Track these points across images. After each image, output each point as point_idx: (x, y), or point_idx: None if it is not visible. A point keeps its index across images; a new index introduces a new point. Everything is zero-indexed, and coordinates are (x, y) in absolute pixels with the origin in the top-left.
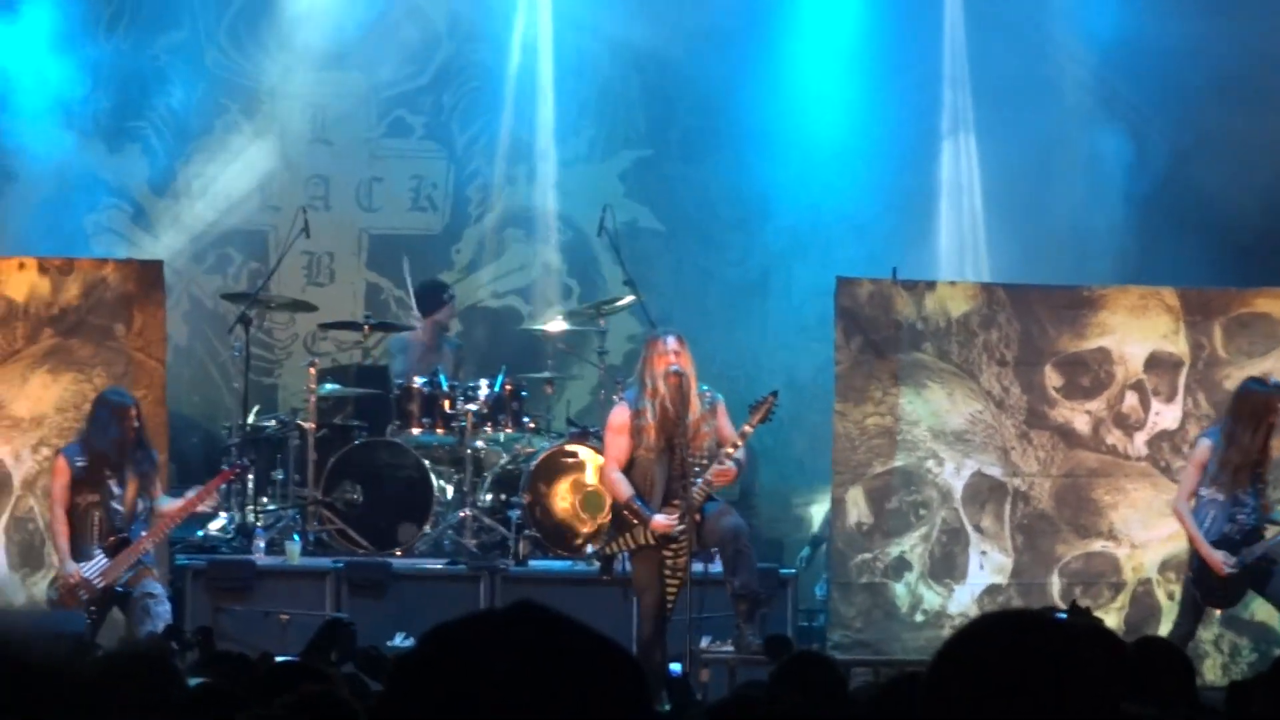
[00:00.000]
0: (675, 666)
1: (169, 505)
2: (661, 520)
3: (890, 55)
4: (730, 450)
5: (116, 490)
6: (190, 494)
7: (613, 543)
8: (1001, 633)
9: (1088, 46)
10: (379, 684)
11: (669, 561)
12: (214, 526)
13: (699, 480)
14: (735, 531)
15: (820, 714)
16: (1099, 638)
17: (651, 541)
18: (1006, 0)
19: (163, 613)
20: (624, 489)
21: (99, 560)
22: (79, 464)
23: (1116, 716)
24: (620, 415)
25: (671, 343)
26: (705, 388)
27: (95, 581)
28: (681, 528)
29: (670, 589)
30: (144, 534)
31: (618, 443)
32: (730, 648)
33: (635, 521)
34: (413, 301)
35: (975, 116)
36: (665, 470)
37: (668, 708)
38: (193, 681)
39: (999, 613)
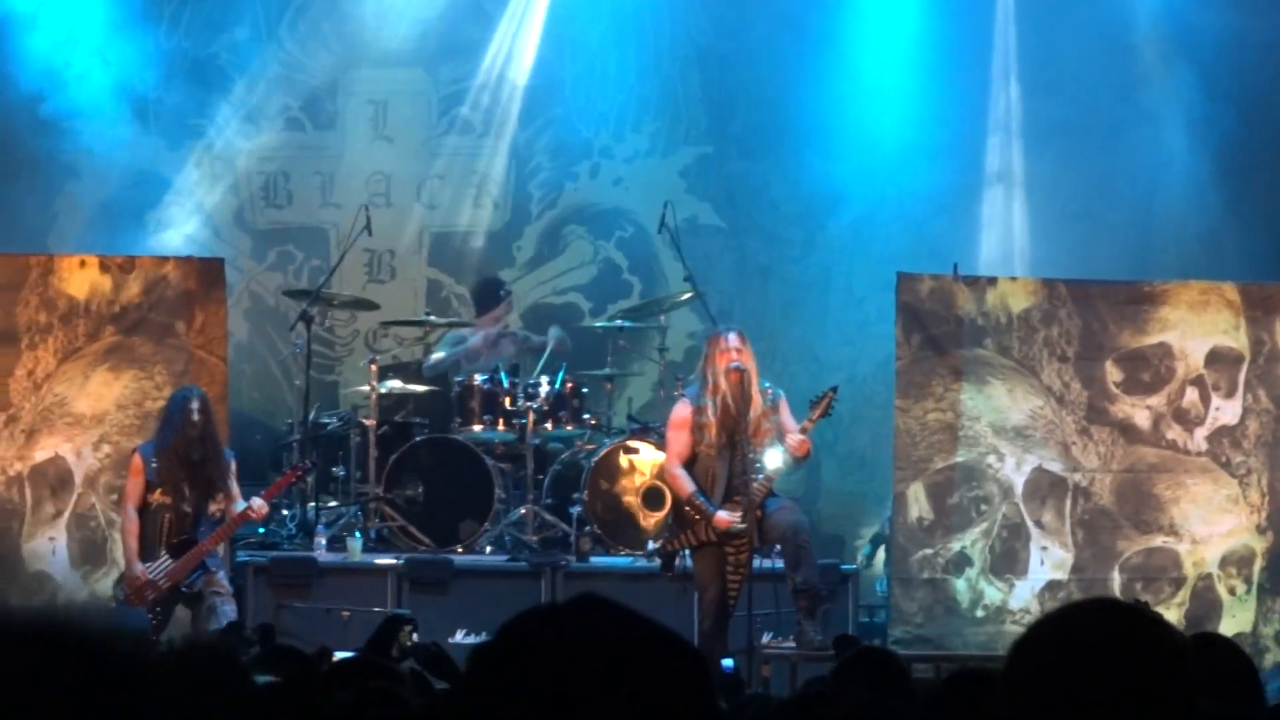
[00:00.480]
0: (728, 662)
1: (238, 510)
2: (724, 516)
3: (951, 49)
4: (805, 425)
5: (188, 491)
6: (255, 500)
7: (674, 539)
8: (1092, 620)
9: (1147, 36)
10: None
11: (731, 558)
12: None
13: (760, 476)
14: (796, 528)
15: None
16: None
17: (713, 538)
18: None
19: (228, 611)
20: (686, 485)
21: (164, 561)
22: (153, 464)
23: (1194, 711)
24: (682, 411)
25: (733, 339)
26: (767, 384)
27: (161, 582)
28: (743, 524)
29: (732, 585)
30: (209, 535)
31: (679, 439)
32: (792, 643)
33: (697, 517)
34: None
35: (1034, 111)
36: (727, 466)
37: (722, 704)
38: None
39: (1087, 600)
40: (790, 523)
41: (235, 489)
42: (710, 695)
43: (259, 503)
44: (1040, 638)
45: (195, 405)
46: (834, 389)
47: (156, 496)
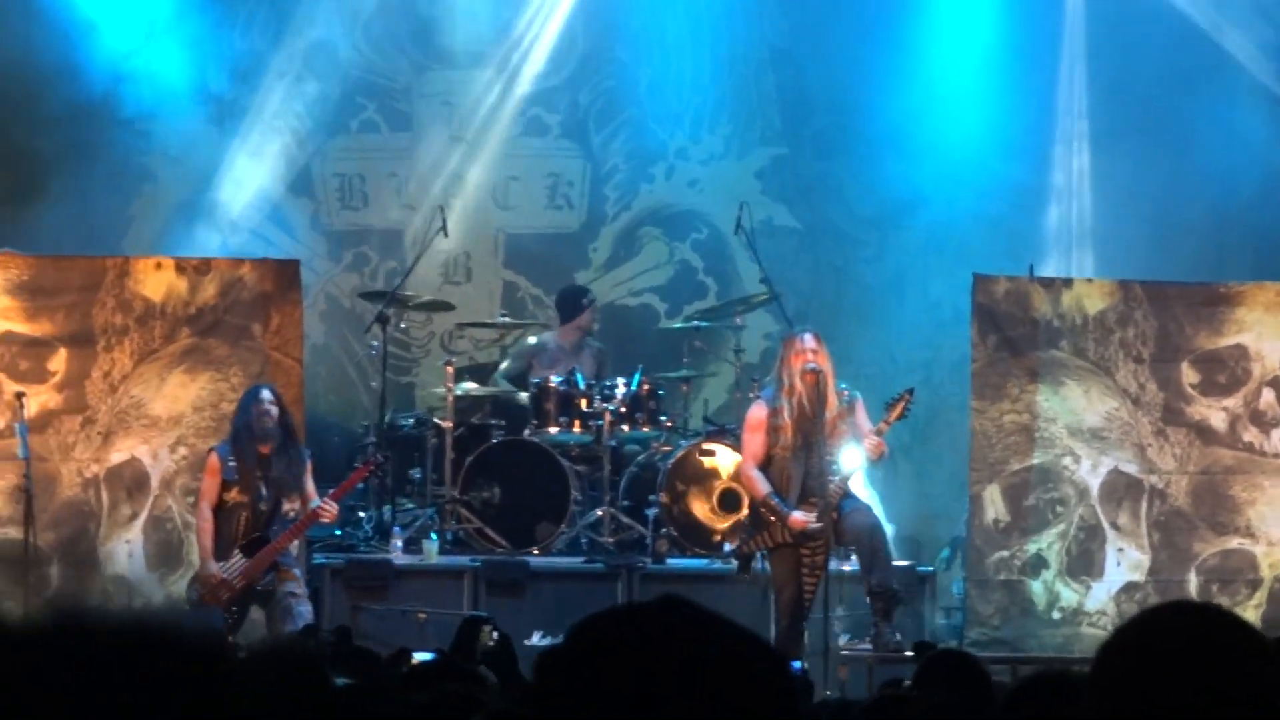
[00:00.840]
0: (795, 664)
1: (311, 508)
2: (799, 517)
3: (1025, 50)
4: (881, 427)
5: (264, 491)
6: (326, 501)
7: (750, 541)
8: (1178, 624)
9: (1220, 29)
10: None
11: (806, 559)
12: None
13: (835, 477)
14: (872, 529)
15: (964, 711)
16: None
17: (789, 539)
18: None
19: (305, 612)
20: (761, 486)
21: (238, 560)
22: (230, 463)
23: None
24: (758, 413)
25: (809, 340)
26: (843, 386)
27: (235, 581)
28: (819, 525)
29: (808, 586)
30: (283, 533)
31: (755, 440)
32: (868, 645)
33: (773, 519)
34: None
35: (1107, 111)
36: (802, 468)
37: None
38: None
39: (1168, 604)
40: (866, 524)
41: (311, 488)
42: (792, 698)
43: (330, 504)
44: (1123, 643)
45: (267, 396)
46: (910, 391)
47: (233, 495)
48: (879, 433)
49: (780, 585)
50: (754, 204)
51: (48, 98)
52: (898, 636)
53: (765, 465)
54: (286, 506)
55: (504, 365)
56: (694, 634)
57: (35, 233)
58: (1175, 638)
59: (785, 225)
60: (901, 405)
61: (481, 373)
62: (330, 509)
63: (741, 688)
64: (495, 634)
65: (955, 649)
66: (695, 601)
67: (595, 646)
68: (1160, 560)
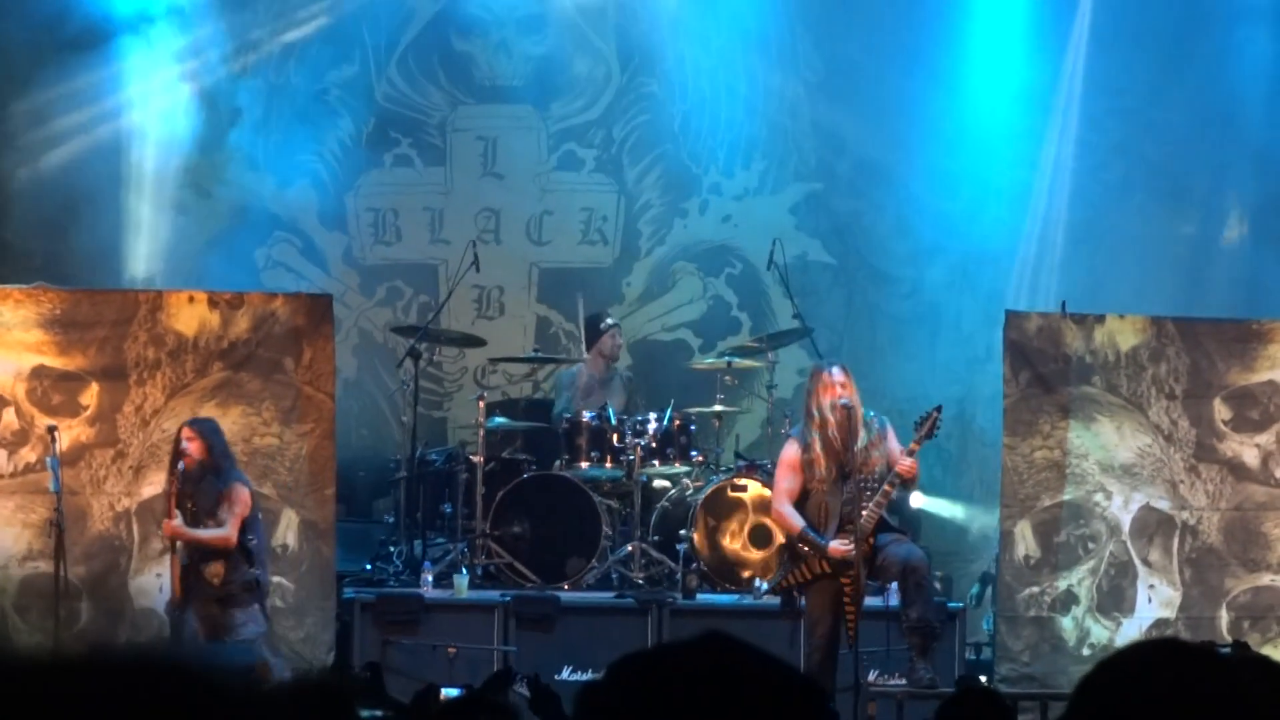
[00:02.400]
0: None
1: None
2: (838, 546)
3: (1059, 90)
4: (912, 447)
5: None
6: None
7: (788, 576)
8: (1149, 662)
9: (1254, 68)
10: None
11: (848, 589)
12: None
13: (869, 505)
14: (913, 563)
15: None
16: (1265, 671)
17: (828, 570)
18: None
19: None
20: (795, 521)
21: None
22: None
23: None
24: (791, 451)
25: (838, 374)
26: (872, 414)
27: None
28: (855, 553)
29: (849, 618)
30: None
31: (787, 478)
32: (900, 681)
33: (810, 551)
34: (582, 337)
35: (1141, 149)
36: (839, 499)
37: None
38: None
39: (1146, 642)
40: (905, 557)
41: (223, 516)
42: None
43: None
44: (1101, 679)
45: (185, 433)
46: (938, 409)
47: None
48: (910, 453)
49: (815, 620)
50: (788, 240)
51: (80, 131)
52: (931, 674)
53: (801, 500)
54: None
55: (559, 404)
56: (738, 669)
57: (68, 267)
58: (1149, 676)
59: (819, 261)
60: (930, 424)
61: (513, 408)
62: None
63: None
64: (525, 686)
65: (978, 685)
66: (738, 636)
67: (640, 681)
68: (1191, 597)
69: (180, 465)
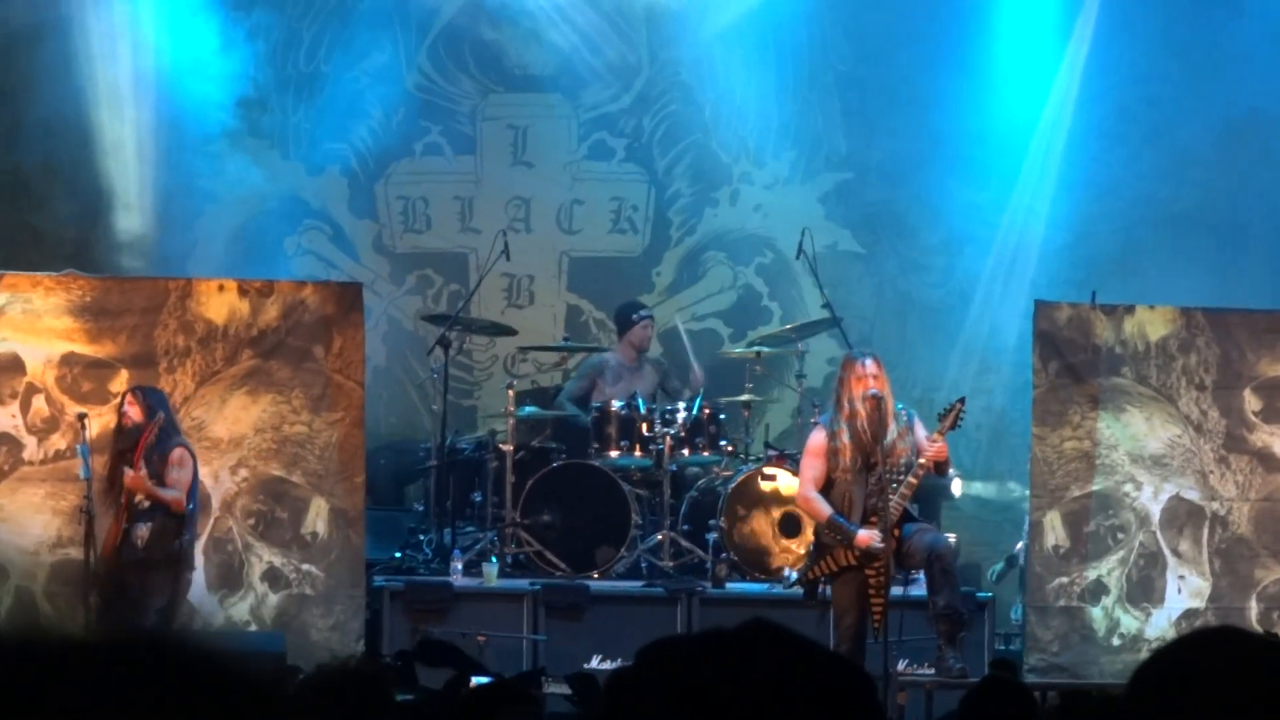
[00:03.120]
0: None
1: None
2: (865, 535)
3: (1092, 80)
4: (935, 436)
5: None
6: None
7: (815, 567)
8: (1211, 648)
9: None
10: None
11: (872, 580)
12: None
13: (894, 496)
14: (938, 550)
15: None
16: None
17: (854, 561)
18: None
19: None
20: (823, 508)
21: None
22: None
23: None
24: (818, 438)
25: (870, 365)
26: (900, 406)
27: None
28: (883, 544)
29: (876, 608)
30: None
31: (814, 466)
32: (929, 670)
33: (838, 539)
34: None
35: (1173, 140)
36: (863, 489)
37: None
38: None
39: (1209, 628)
40: (931, 544)
41: (173, 476)
42: None
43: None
44: (1160, 667)
45: (127, 398)
46: (962, 400)
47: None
48: (934, 442)
49: (842, 611)
50: (818, 229)
51: (112, 120)
52: (961, 663)
53: (826, 489)
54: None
55: (568, 385)
56: (785, 657)
57: (99, 254)
58: (1210, 663)
59: (849, 250)
60: (954, 414)
61: (543, 396)
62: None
63: (832, 712)
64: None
65: (1005, 676)
66: (784, 625)
67: (678, 670)
68: (1221, 587)
69: (120, 424)
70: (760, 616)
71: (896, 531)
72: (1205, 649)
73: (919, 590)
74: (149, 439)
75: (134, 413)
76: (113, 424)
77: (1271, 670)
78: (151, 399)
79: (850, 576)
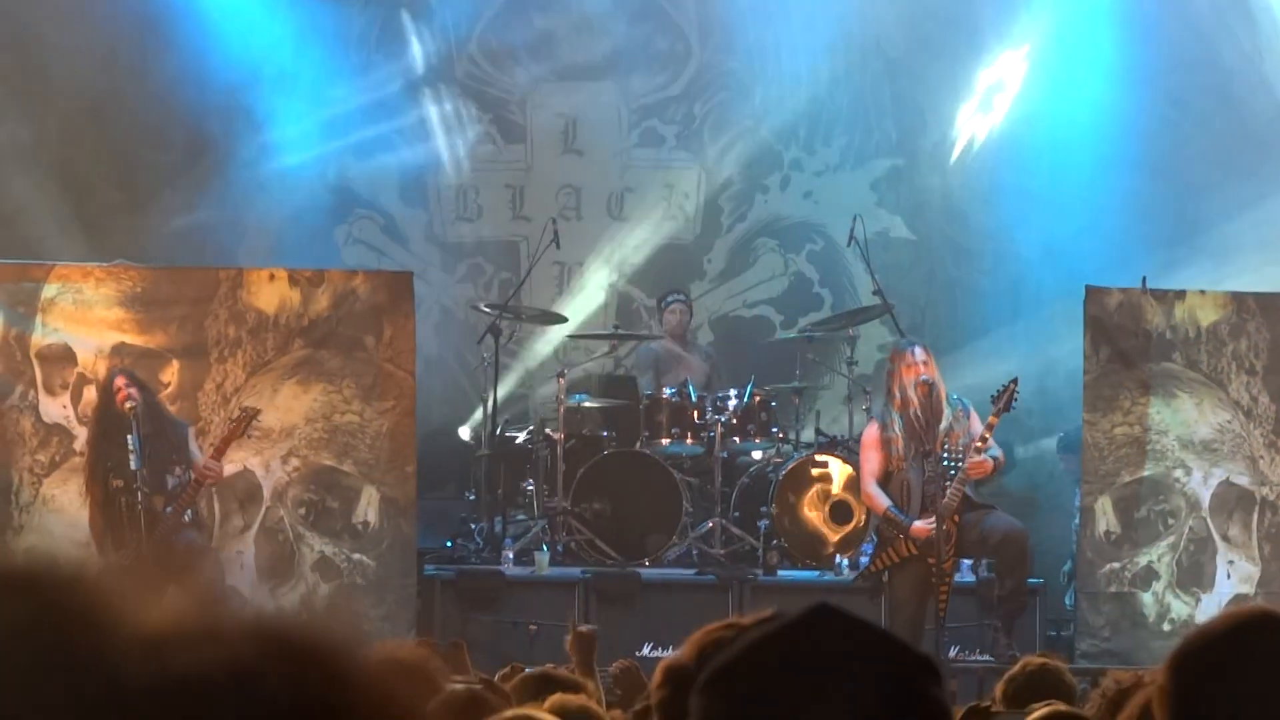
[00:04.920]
0: None
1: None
2: (920, 525)
3: (1141, 64)
4: (979, 444)
5: (134, 469)
6: (206, 459)
7: (878, 559)
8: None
9: None
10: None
11: (935, 568)
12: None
13: (953, 483)
14: (1015, 534)
15: None
16: None
17: (914, 551)
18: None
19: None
20: (881, 501)
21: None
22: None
23: None
24: (872, 431)
25: (919, 354)
26: (955, 396)
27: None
28: (935, 530)
29: (941, 596)
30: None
31: (872, 458)
32: (983, 657)
33: (896, 532)
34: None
35: (1223, 124)
36: (920, 478)
37: None
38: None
39: (1245, 609)
40: (1008, 528)
41: (197, 454)
42: (947, 709)
43: (211, 464)
44: (1198, 649)
45: (121, 381)
46: (1014, 381)
47: (116, 484)
48: (990, 428)
49: (900, 603)
50: (869, 216)
51: (162, 109)
52: (1014, 651)
53: (884, 481)
54: (171, 481)
55: (641, 380)
56: (852, 641)
57: (150, 244)
58: (1250, 644)
59: (900, 237)
60: (1007, 396)
61: (593, 384)
62: (212, 468)
63: (902, 699)
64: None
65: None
66: (850, 611)
67: (752, 659)
68: (1271, 572)
69: (129, 405)
70: (825, 601)
71: (956, 518)
72: (1243, 631)
73: (967, 577)
74: (236, 431)
75: (135, 393)
76: (97, 403)
77: None
78: (138, 380)
79: (912, 567)
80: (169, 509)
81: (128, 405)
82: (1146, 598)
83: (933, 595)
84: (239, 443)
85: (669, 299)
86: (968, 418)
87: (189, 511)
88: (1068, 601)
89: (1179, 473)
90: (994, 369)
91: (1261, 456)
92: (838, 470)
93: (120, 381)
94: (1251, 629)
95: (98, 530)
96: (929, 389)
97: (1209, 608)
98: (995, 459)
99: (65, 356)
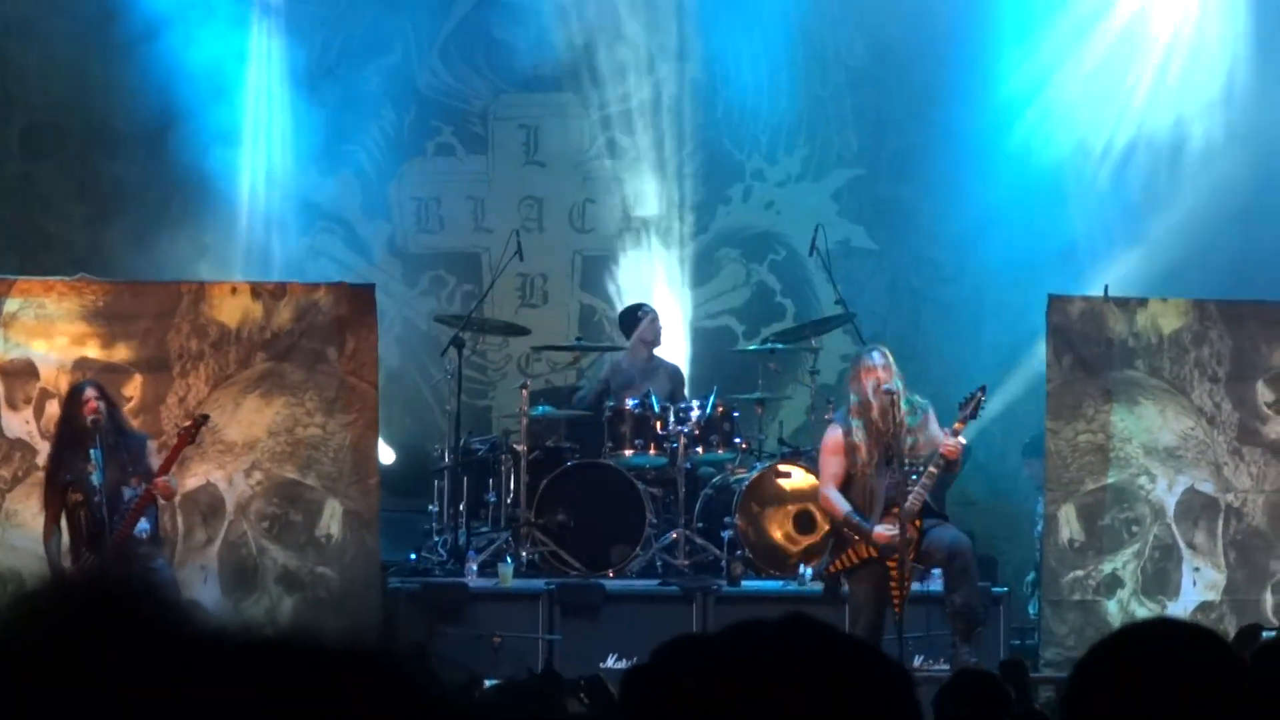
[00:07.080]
0: None
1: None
2: (883, 530)
3: (1107, 72)
4: (951, 432)
5: (98, 485)
6: (158, 480)
7: (834, 562)
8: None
9: None
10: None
11: (894, 571)
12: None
13: (915, 489)
14: (958, 548)
15: None
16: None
17: (874, 555)
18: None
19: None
20: (840, 506)
21: (89, 561)
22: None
23: None
24: (833, 435)
25: (878, 358)
26: (916, 396)
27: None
28: (900, 535)
29: (895, 596)
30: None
31: (831, 463)
32: (944, 666)
33: (855, 537)
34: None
35: (1185, 131)
36: (883, 483)
37: None
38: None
39: (1145, 620)
40: (951, 542)
41: (154, 469)
42: (919, 716)
43: (161, 481)
44: (1097, 660)
45: (91, 393)
46: (982, 389)
47: (73, 497)
48: (955, 433)
49: (858, 608)
50: (831, 225)
51: (124, 123)
52: (975, 659)
53: (845, 485)
54: (128, 493)
55: (580, 391)
56: (824, 652)
57: (112, 258)
58: (1145, 657)
59: (862, 246)
60: (974, 404)
61: (557, 396)
62: (163, 485)
63: (874, 707)
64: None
65: (978, 669)
66: (824, 621)
67: (727, 666)
68: (1236, 579)
69: (91, 420)
70: (799, 611)
71: (918, 523)
72: (1142, 642)
73: (935, 585)
74: (185, 439)
75: (101, 405)
76: (61, 413)
77: (1206, 659)
78: (107, 394)
79: (869, 571)
80: (116, 518)
81: (90, 420)
82: (1111, 605)
83: (881, 606)
84: (201, 456)
85: (645, 308)
86: (928, 422)
87: (146, 525)
88: (1031, 610)
89: (1143, 480)
90: (957, 378)
91: (1226, 463)
92: (802, 480)
93: (90, 393)
94: (1143, 639)
95: (49, 540)
96: (890, 396)
97: (1175, 615)
98: (960, 445)
99: (28, 371)
